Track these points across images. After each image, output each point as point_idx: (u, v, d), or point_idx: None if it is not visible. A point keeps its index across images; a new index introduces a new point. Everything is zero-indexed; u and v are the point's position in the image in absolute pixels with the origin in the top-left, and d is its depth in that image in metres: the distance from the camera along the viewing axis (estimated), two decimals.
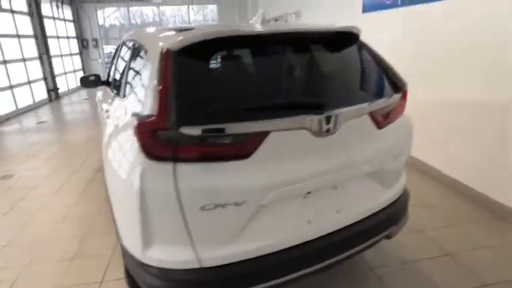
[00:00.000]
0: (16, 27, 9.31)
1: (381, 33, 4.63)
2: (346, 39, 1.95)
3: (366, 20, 4.97)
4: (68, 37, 13.16)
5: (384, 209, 1.92)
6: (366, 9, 5.04)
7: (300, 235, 1.64)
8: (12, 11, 9.20)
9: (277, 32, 1.72)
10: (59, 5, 12.34)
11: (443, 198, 3.39)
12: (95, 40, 14.35)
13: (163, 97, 1.41)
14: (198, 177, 1.42)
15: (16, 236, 3.07)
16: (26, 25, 9.98)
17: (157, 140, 1.39)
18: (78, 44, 14.15)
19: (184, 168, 1.41)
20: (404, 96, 1.98)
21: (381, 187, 1.90)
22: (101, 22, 14.71)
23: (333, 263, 1.74)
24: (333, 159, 1.65)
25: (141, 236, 1.48)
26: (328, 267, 1.75)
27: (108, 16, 15.29)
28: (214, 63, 1.72)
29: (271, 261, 1.58)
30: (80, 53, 14.20)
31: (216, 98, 1.52)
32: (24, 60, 9.57)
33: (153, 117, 1.39)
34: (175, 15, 15.82)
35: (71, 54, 13.38)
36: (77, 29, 14.02)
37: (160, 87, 1.44)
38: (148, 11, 15.49)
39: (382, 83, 1.96)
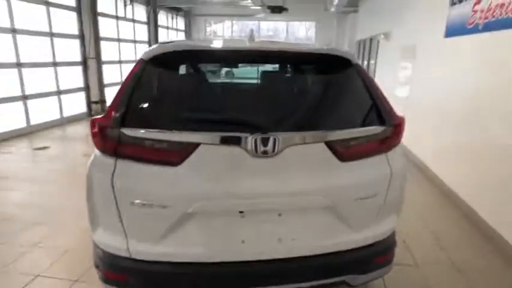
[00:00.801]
0: (134, 34, 11.01)
1: (459, 63, 4.11)
2: (327, 63, 1.82)
3: (447, 46, 4.45)
4: None
5: (344, 251, 1.70)
6: (449, 33, 4.51)
7: (231, 253, 1.61)
8: (134, 20, 10.92)
9: (239, 49, 1.73)
10: (174, 16, 14.11)
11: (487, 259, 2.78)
12: None
13: (115, 99, 1.57)
14: (131, 175, 1.53)
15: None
16: (143, 32, 11.71)
17: (104, 136, 1.54)
18: None
19: (122, 164, 1.53)
20: (394, 132, 1.72)
21: (342, 227, 1.69)
22: (219, 33, 16.27)
23: None
24: (274, 183, 1.55)
25: (90, 218, 1.66)
26: None
27: (226, 28, 16.75)
28: (171, 75, 1.79)
29: (197, 270, 1.59)
30: None
31: (160, 106, 1.63)
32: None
33: (103, 116, 1.55)
34: (286, 30, 16.57)
35: None
36: (187, 38, 15.77)
37: (117, 91, 1.60)
38: (263, 26, 16.57)
39: (357, 113, 1.76)
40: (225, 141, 1.50)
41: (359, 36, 12.18)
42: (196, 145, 1.49)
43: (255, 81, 1.87)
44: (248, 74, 1.87)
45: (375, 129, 1.67)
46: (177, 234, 1.57)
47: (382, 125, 1.69)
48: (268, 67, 1.83)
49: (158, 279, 1.63)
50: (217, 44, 1.80)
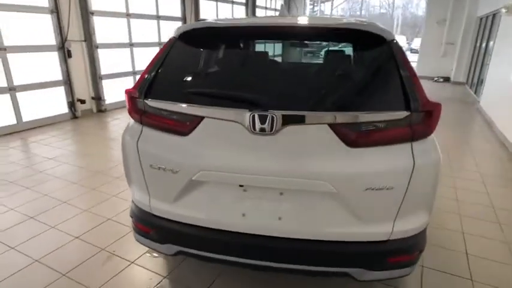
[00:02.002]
0: (232, 15, 11.53)
1: None
2: (356, 39, 1.68)
3: None
4: None
5: (348, 242, 1.62)
6: None
7: (231, 223, 1.69)
8: (232, 2, 11.43)
9: (258, 25, 1.72)
10: None
11: None
12: None
13: (143, 74, 1.76)
14: (151, 141, 1.72)
15: None
16: (241, 13, 12.16)
17: (134, 105, 1.76)
18: None
19: (146, 131, 1.74)
20: (424, 120, 1.53)
21: (348, 216, 1.59)
22: (327, 12, 15.95)
23: (265, 267, 1.70)
24: (274, 162, 1.55)
25: (126, 176, 1.94)
26: (261, 269, 1.71)
27: (336, 7, 16.30)
28: (192, 52, 1.89)
29: (202, 233, 1.72)
30: None
31: (177, 81, 1.76)
32: None
33: (133, 87, 1.77)
34: (391, 5, 15.40)
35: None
36: None
37: (147, 64, 1.80)
38: (375, 3, 15.77)
39: (376, 94, 1.59)
40: (223, 116, 1.56)
41: (481, 11, 10.40)
42: (201, 118, 1.59)
43: (268, 58, 1.85)
44: (256, 50, 1.86)
45: (395, 114, 1.50)
46: (187, 199, 1.72)
47: (407, 110, 1.50)
48: (286, 45, 1.79)
49: (171, 236, 1.82)
50: (241, 22, 1.85)
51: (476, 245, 2.67)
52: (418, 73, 1.60)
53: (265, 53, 1.85)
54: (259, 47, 1.97)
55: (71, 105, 6.37)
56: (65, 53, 6.09)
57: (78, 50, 6.38)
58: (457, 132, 6.23)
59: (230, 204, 1.68)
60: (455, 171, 4.22)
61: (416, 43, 21.33)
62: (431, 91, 9.81)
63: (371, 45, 1.67)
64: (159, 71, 1.74)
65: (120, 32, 7.36)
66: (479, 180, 3.97)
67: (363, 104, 1.56)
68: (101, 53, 6.86)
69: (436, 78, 12.49)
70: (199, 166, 1.62)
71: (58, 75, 6.16)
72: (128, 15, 7.40)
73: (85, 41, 6.45)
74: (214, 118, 1.58)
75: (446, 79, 12.39)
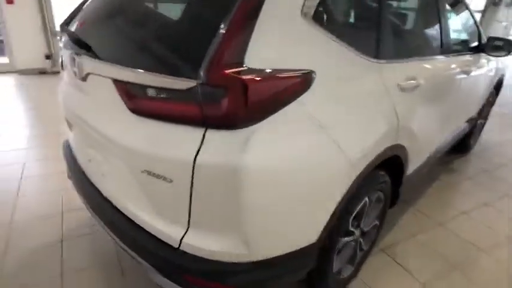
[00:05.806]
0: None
1: None
2: None
3: None
4: None
5: (142, 228, 1.33)
6: None
7: (83, 165, 1.69)
8: None
9: None
10: None
11: None
12: None
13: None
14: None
15: None
16: None
17: None
18: (487, 1, 10.37)
19: None
20: (221, 101, 1.03)
21: (141, 196, 1.31)
22: None
23: (110, 232, 1.52)
24: (84, 111, 1.50)
25: None
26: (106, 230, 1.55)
27: None
28: None
29: (74, 164, 1.76)
30: (484, 11, 10.39)
31: (87, 13, 1.71)
32: None
33: None
34: None
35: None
36: None
37: None
38: None
39: (173, 51, 1.19)
40: (65, 54, 1.63)
41: None
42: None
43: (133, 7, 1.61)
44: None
45: (177, 82, 1.08)
46: (72, 132, 1.77)
47: (194, 78, 1.05)
48: None
49: (66, 156, 1.90)
50: None
51: None
52: None
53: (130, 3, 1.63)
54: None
55: None
56: None
57: None
58: None
59: (84, 147, 1.67)
60: None
61: None
62: None
63: None
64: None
65: None
66: None
67: (150, 61, 1.23)
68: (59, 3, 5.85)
69: None
70: (63, 104, 1.70)
71: None
72: None
73: None
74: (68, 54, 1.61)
75: None
